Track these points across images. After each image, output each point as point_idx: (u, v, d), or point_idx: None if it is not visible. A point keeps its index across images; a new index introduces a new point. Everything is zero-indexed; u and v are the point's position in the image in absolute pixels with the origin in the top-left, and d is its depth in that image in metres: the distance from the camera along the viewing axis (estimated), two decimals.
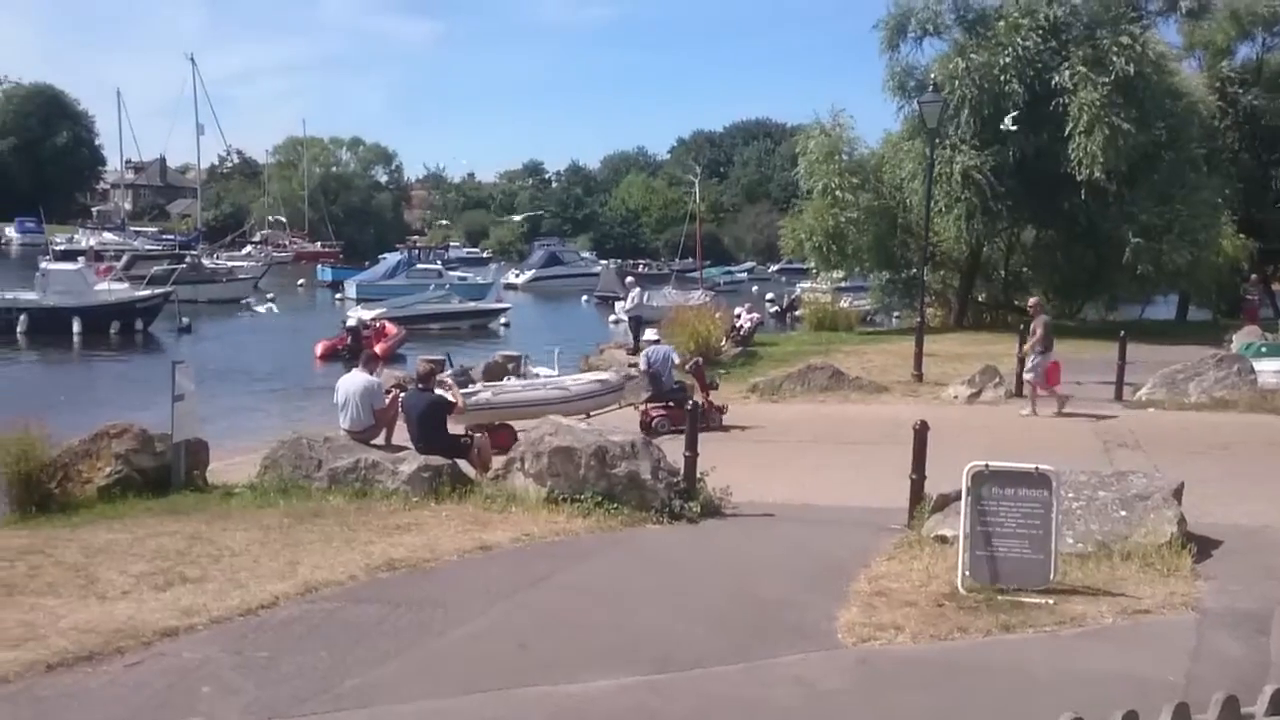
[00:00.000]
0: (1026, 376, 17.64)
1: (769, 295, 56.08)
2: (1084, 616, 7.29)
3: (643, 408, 16.91)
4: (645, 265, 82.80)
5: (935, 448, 10.40)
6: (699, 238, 63.69)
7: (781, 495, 11.75)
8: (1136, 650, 6.75)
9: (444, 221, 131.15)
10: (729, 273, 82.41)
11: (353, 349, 31.62)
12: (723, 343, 25.74)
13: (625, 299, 30.39)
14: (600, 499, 10.48)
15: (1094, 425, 15.92)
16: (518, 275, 74.87)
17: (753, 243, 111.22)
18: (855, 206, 32.21)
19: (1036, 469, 7.83)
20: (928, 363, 21.27)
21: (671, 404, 16.68)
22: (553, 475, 10.75)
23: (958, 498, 8.42)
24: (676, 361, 17.90)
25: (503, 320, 45.93)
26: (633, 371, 18.67)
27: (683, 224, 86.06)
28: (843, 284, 42.68)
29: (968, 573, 7.77)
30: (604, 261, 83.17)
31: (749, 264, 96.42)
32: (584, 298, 60.96)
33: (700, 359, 19.75)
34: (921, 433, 10.23)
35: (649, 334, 19.84)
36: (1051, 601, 7.49)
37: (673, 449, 11.47)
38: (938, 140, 24.73)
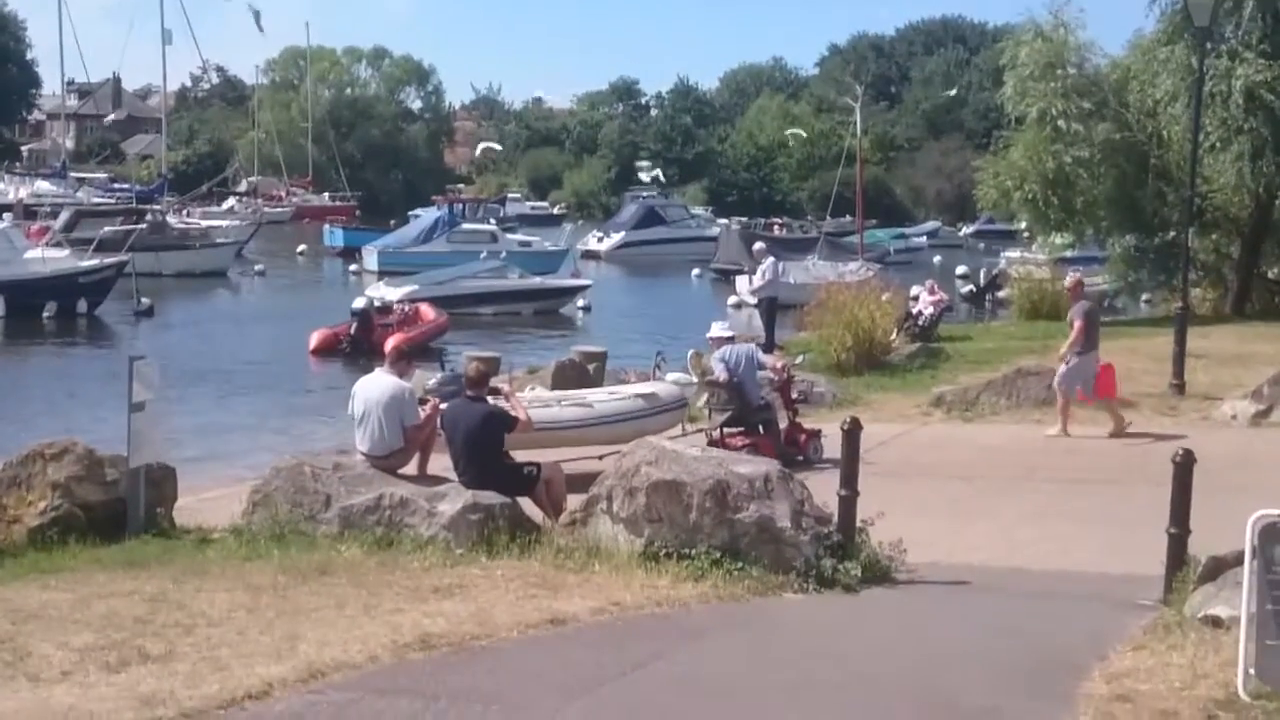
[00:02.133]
0: (1056, 385, 17.64)
1: (960, 269, 55.61)
2: None
3: (716, 434, 16.25)
4: (782, 227, 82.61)
5: (1204, 490, 10.22)
6: (859, 187, 63.05)
7: (979, 555, 11.66)
8: None
9: (497, 156, 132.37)
10: (902, 236, 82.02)
11: (356, 341, 32.08)
12: (893, 337, 25.54)
13: (753, 274, 30.27)
14: (719, 555, 10.49)
15: None
16: (601, 239, 75.45)
17: (937, 194, 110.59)
18: (1087, 141, 31.88)
19: None
20: (1193, 367, 20.89)
21: (760, 428, 16.13)
22: (651, 521, 10.79)
23: (1238, 562, 8.24)
24: (765, 364, 17.27)
25: (581, 302, 46.26)
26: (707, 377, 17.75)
27: (836, 168, 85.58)
28: (1067, 253, 41.99)
29: (1253, 670, 7.59)
30: (723, 221, 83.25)
31: (931, 224, 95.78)
32: (695, 271, 61.13)
33: (788, 365, 18.75)
34: (1185, 467, 10.06)
35: (717, 329, 18.19)
36: None
37: (818, 487, 11.41)
38: (1210, 46, 24.21)
